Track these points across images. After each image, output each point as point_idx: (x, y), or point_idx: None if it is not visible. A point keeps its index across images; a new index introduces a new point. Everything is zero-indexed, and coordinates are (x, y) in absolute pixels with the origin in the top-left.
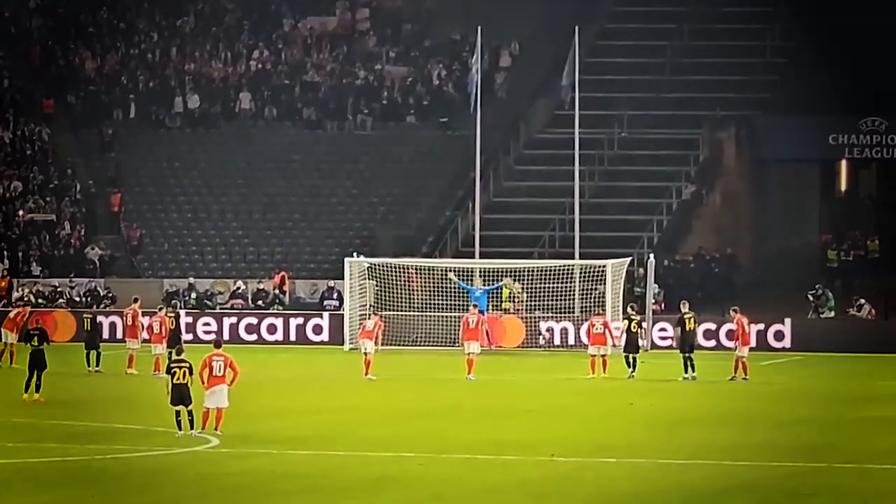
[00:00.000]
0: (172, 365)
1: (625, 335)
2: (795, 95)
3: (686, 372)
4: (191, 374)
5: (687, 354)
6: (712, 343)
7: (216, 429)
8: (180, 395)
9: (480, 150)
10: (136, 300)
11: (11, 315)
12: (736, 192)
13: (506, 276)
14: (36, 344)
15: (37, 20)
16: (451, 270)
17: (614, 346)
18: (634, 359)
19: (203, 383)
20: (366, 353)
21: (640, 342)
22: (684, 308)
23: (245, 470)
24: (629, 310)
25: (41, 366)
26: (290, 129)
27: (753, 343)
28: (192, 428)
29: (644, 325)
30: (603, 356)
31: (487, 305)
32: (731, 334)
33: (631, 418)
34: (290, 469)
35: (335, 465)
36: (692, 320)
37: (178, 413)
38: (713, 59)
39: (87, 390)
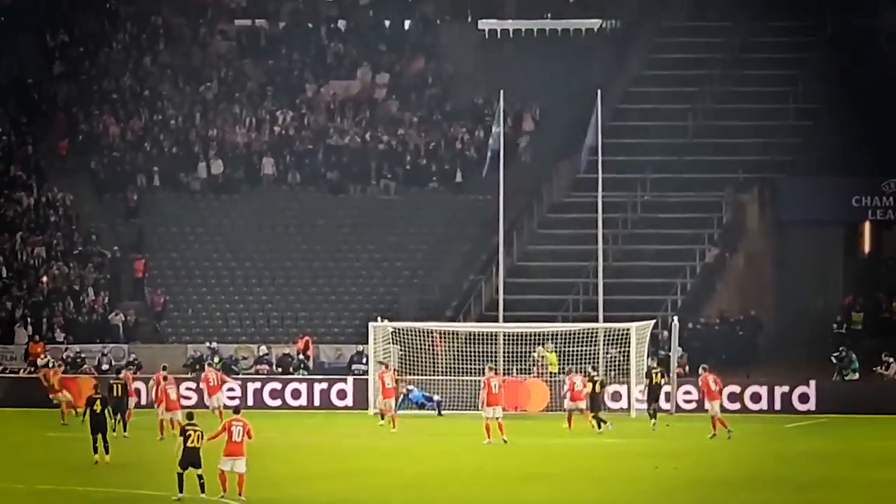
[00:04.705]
0: (187, 427)
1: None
2: (818, 157)
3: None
4: (202, 438)
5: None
6: (737, 405)
7: (240, 494)
8: (190, 459)
9: (504, 214)
10: (164, 367)
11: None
12: (759, 254)
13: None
14: (98, 409)
15: (61, 86)
16: None
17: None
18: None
19: (224, 444)
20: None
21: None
22: (652, 362)
23: None
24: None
25: (103, 428)
26: (314, 194)
27: (778, 406)
28: (202, 492)
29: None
30: (578, 412)
31: None
32: (755, 397)
33: (655, 482)
34: None
35: None
36: (658, 374)
37: (181, 476)
38: (736, 122)
39: (113, 455)
